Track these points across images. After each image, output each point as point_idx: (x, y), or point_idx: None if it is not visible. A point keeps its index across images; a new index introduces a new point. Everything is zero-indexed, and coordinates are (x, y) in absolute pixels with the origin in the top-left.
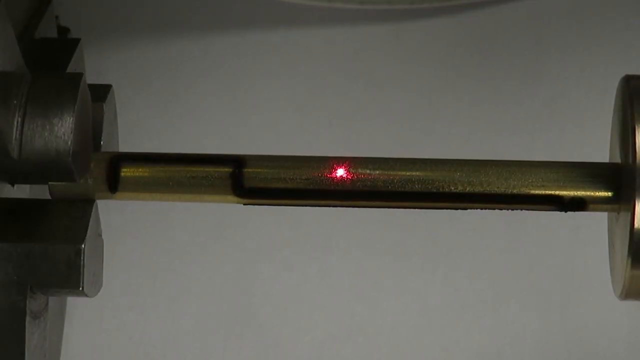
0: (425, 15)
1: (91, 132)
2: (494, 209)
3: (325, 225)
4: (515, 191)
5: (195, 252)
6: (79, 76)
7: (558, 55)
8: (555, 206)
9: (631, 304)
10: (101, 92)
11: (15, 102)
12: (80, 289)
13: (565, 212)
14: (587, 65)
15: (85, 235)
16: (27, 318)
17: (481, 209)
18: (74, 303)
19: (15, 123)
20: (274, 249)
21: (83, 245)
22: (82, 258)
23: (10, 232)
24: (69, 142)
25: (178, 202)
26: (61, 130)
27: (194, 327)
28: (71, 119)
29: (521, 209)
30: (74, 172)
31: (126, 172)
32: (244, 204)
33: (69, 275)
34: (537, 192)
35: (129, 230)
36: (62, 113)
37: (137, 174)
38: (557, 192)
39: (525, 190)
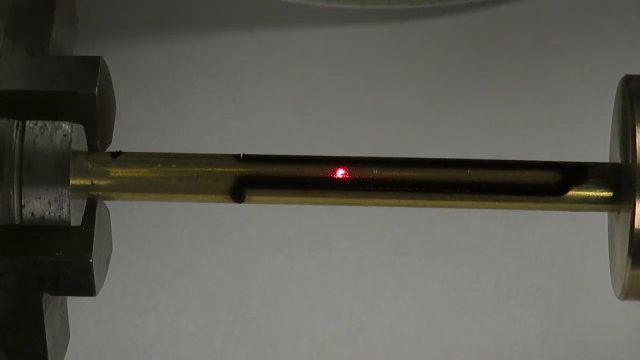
0: (425, 15)
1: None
2: (495, 208)
3: (325, 224)
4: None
5: (195, 252)
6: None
7: (558, 55)
8: (555, 172)
9: (631, 304)
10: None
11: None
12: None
13: (566, 188)
14: (587, 65)
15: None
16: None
17: (482, 208)
18: (74, 303)
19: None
20: (273, 249)
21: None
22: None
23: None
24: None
25: (178, 202)
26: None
27: (193, 327)
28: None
29: (519, 194)
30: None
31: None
32: (244, 204)
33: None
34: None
35: (129, 230)
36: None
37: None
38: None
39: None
